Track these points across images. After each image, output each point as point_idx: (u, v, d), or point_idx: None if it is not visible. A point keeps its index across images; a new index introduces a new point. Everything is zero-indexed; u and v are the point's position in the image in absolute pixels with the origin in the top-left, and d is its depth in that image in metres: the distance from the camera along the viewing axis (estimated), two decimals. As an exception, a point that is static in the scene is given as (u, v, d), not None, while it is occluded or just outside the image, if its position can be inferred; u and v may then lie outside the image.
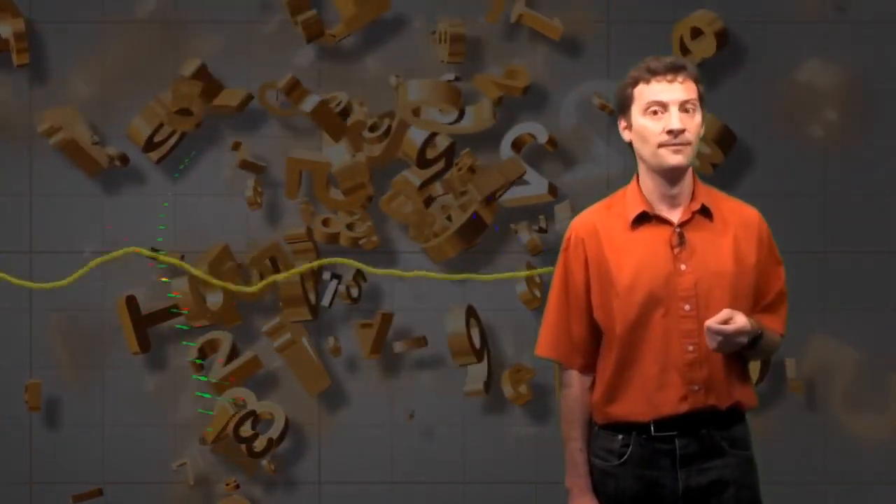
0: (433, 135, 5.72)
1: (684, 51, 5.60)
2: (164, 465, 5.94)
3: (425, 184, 5.74)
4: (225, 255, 5.84)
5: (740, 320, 3.71)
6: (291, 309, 5.83)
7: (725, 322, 3.70)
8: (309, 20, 5.71)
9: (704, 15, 5.67)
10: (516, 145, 5.74)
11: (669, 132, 3.77)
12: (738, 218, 3.88)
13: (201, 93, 5.77)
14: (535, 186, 5.75)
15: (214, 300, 5.84)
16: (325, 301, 5.84)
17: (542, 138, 5.71)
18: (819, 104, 5.77)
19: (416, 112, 5.68)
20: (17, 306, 5.93)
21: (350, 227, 5.79)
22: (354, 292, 5.84)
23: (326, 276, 5.87)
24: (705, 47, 5.62)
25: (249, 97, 5.82)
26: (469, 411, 5.90)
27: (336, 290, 5.86)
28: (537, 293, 5.75)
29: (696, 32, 5.64)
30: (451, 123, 5.71)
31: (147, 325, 5.87)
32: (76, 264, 5.89)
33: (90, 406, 5.96)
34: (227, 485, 5.90)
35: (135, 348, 5.85)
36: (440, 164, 5.75)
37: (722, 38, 5.65)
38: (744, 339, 3.73)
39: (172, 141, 5.84)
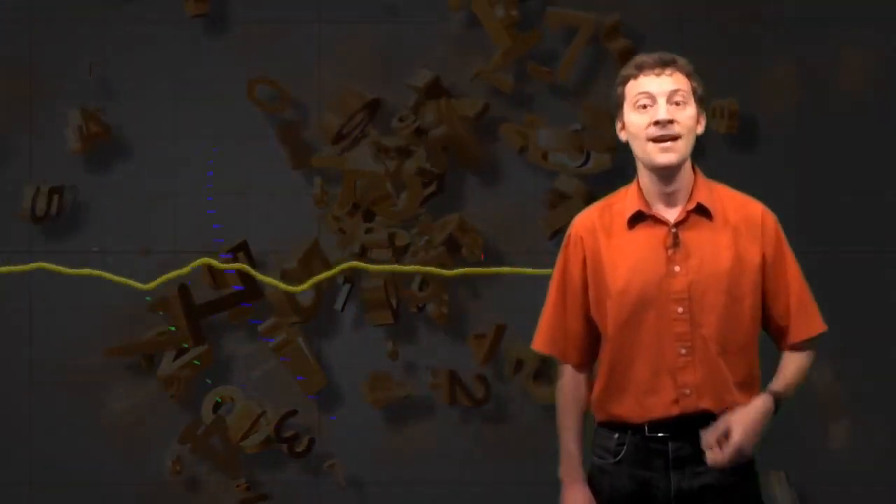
0: None
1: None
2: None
3: (424, 202, 5.97)
4: (315, 251, 5.91)
5: (737, 435, 3.65)
6: (373, 313, 5.93)
7: (725, 435, 3.65)
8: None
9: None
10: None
11: (656, 123, 3.68)
12: (741, 215, 3.77)
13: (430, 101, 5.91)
14: None
15: (305, 297, 5.87)
16: (339, 305, 5.96)
17: None
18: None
19: (544, 156, 6.03)
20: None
21: (392, 237, 5.93)
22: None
23: (339, 280, 5.94)
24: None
25: (486, 107, 5.96)
26: (469, 411, 6.00)
27: (348, 295, 5.96)
28: (444, 310, 5.98)
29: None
30: (578, 167, 6.02)
31: (201, 317, 5.83)
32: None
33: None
34: (238, 487, 5.90)
35: (188, 342, 5.79)
36: (432, 188, 5.98)
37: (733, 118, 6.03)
38: (749, 447, 3.70)
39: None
